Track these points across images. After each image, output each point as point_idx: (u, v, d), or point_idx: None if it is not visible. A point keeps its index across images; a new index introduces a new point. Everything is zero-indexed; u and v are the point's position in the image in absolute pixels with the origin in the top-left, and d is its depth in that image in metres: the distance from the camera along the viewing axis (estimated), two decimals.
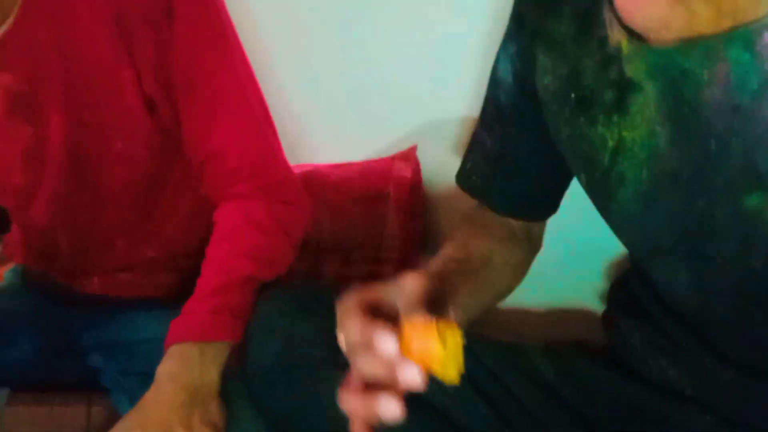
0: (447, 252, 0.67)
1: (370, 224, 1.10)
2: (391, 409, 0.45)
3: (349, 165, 1.12)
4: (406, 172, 1.08)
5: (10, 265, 0.98)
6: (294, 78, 1.06)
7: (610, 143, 0.56)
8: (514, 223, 0.76)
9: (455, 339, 0.45)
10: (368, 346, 0.46)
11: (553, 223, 0.80)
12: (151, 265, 0.88)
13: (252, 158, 0.79)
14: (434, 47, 1.00)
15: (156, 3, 0.71)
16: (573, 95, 0.58)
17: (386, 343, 0.45)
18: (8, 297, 0.94)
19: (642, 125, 0.54)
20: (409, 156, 1.08)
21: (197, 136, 0.78)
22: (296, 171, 0.89)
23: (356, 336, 0.47)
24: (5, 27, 0.70)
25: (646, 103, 0.53)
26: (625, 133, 0.55)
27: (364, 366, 0.46)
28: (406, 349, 0.45)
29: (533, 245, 0.78)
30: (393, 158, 1.10)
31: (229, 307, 0.74)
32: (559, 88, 0.60)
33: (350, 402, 0.47)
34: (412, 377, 0.44)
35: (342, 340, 0.49)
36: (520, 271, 0.75)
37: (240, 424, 0.71)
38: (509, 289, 0.74)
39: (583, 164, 0.60)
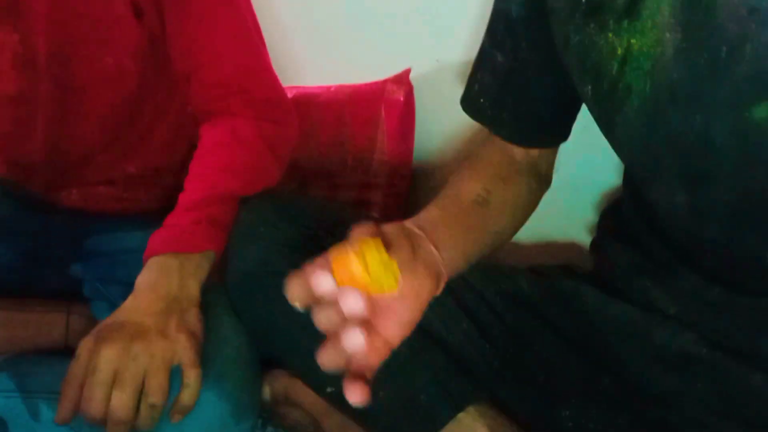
0: (436, 199, 0.66)
1: (359, 148, 1.08)
2: (354, 341, 0.46)
3: (340, 87, 1.09)
4: (399, 95, 1.06)
5: None
6: None
7: (619, 51, 0.54)
8: (519, 156, 0.73)
9: (376, 255, 0.48)
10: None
11: None
12: (133, 180, 0.87)
13: (241, 73, 0.78)
14: None
15: None
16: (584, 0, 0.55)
17: (321, 279, 0.46)
18: None
19: (651, 32, 0.52)
20: (402, 79, 1.06)
21: (186, 46, 0.76)
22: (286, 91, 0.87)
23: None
24: None
25: (659, 7, 0.51)
26: (633, 41, 0.53)
27: (319, 316, 0.48)
28: (339, 281, 0.47)
29: (541, 181, 0.74)
30: (386, 81, 1.07)
31: (209, 218, 0.73)
32: None
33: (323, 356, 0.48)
34: (351, 304, 0.46)
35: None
36: (522, 210, 0.72)
37: (219, 331, 0.70)
38: (513, 229, 0.71)
39: (590, 75, 0.58)
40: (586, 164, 0.92)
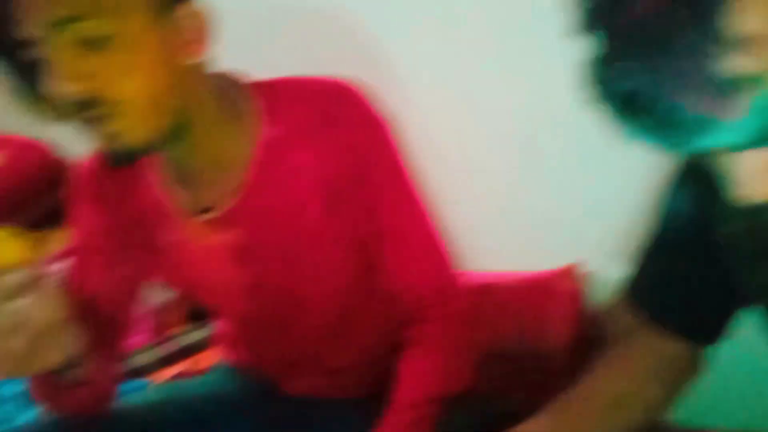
0: (574, 389, 0.72)
1: (532, 339, 1.15)
2: None
3: (512, 277, 1.19)
4: (569, 288, 1.16)
5: (217, 359, 1.05)
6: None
7: None
8: (672, 350, 0.74)
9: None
10: None
11: None
12: (342, 371, 0.96)
13: (439, 290, 0.88)
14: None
15: (358, 177, 0.82)
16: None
17: None
18: (222, 382, 1.00)
19: None
20: (571, 272, 1.16)
21: (392, 273, 0.87)
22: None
23: None
24: (236, 196, 0.82)
25: None
26: None
27: None
28: None
29: (687, 373, 0.76)
30: (555, 273, 1.17)
31: (426, 418, 0.82)
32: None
33: None
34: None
35: None
36: (655, 410, 0.74)
37: None
38: (641, 424, 0.74)
39: None
40: None
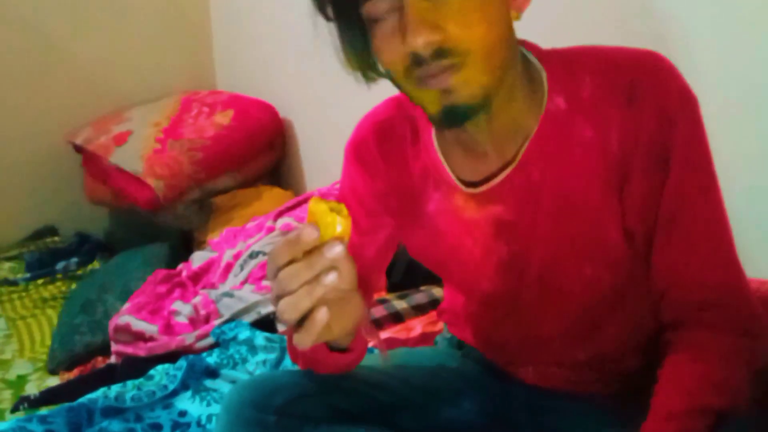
0: None
1: None
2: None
3: None
4: None
5: (442, 330, 1.08)
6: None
7: None
8: None
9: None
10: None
11: None
12: (581, 365, 0.92)
13: (722, 290, 0.81)
14: None
15: (656, 157, 0.77)
16: None
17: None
18: (448, 358, 1.01)
19: None
20: None
21: (668, 266, 0.81)
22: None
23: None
24: (509, 169, 0.81)
25: None
26: None
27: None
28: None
29: None
30: None
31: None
32: None
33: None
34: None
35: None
36: None
37: None
38: None
39: None
40: None
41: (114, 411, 1.19)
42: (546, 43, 0.84)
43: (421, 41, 0.69)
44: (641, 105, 0.76)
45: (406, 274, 1.58)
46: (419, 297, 1.55)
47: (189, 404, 1.21)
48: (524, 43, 0.81)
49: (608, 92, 0.78)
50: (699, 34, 1.14)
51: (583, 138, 0.78)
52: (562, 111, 0.79)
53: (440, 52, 0.70)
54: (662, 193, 0.78)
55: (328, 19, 0.75)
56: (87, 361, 1.68)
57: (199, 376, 1.26)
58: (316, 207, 0.65)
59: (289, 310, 0.64)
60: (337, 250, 0.63)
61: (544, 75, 0.80)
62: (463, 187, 0.84)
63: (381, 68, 0.76)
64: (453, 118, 0.75)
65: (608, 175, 0.78)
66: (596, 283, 0.84)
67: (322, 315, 0.64)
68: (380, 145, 0.89)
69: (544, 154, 0.79)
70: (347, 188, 0.93)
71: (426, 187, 0.87)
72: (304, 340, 0.65)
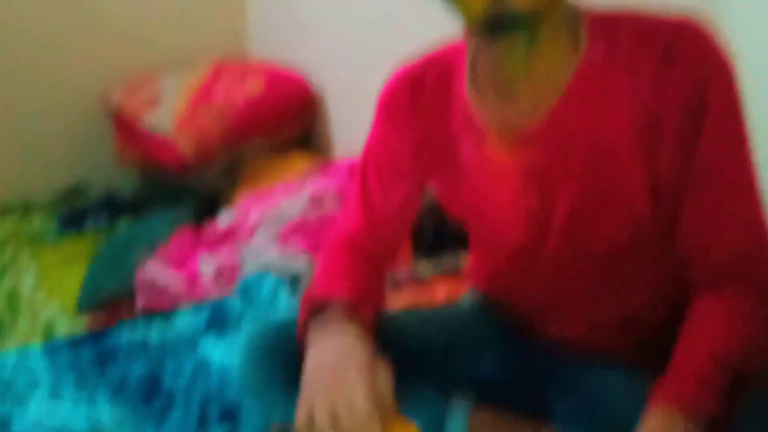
0: None
1: None
2: None
3: None
4: None
5: (466, 290, 1.09)
6: None
7: None
8: None
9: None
10: None
11: None
12: (603, 326, 0.93)
13: (748, 253, 0.81)
14: None
15: (689, 119, 0.78)
16: None
17: None
18: (471, 317, 1.02)
19: None
20: None
21: (695, 226, 0.81)
22: None
23: None
24: (543, 117, 0.81)
25: None
26: None
27: None
28: None
29: None
30: None
31: (709, 382, 0.75)
32: None
33: None
34: None
35: None
36: None
37: None
38: None
39: None
40: None
41: (139, 347, 1.22)
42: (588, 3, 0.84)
43: None
44: (678, 66, 0.77)
45: (435, 240, 1.59)
46: (446, 263, 1.57)
47: (212, 349, 1.23)
48: None
49: (646, 52, 0.78)
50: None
51: (618, 92, 0.79)
52: (599, 64, 0.80)
53: None
54: (693, 155, 0.78)
55: None
56: (113, 307, 1.73)
57: (222, 323, 1.28)
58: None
59: None
60: None
61: (585, 29, 0.81)
62: (495, 134, 0.84)
63: None
64: (497, 24, 0.76)
65: (640, 132, 0.79)
66: (619, 241, 0.84)
67: None
68: (413, 95, 0.90)
69: (579, 104, 0.80)
70: (375, 139, 0.95)
71: (460, 135, 0.88)
72: None
